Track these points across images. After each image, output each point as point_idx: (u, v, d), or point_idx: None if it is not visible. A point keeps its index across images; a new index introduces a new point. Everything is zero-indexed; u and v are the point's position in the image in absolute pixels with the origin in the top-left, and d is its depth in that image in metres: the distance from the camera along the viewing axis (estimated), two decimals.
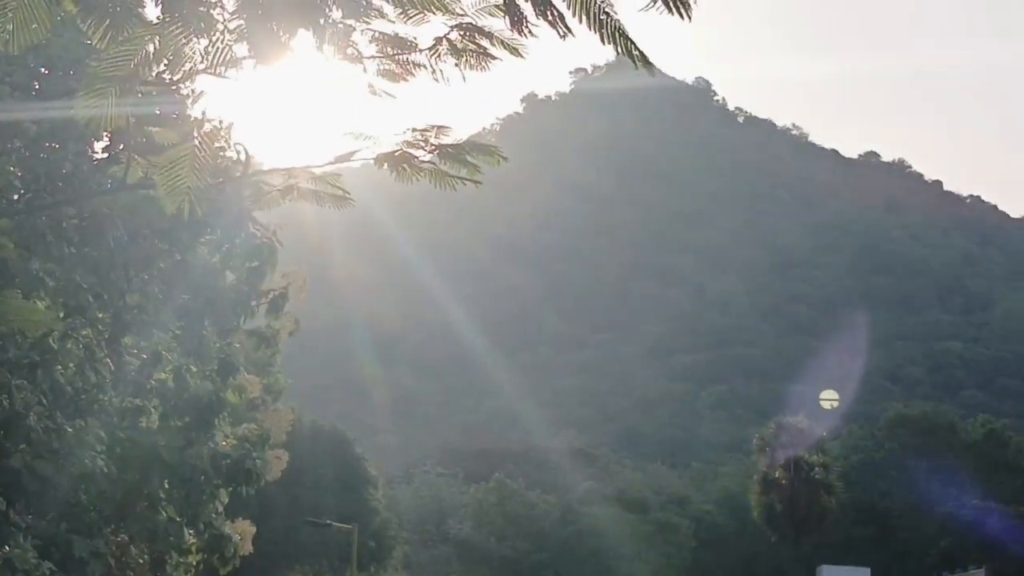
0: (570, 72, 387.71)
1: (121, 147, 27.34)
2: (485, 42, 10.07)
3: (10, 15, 8.15)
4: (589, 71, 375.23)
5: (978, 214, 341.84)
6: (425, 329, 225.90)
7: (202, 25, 8.41)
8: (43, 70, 29.25)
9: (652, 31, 8.59)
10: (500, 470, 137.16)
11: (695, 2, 8.16)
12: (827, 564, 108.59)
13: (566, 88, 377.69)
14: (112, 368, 30.19)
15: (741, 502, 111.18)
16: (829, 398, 73.72)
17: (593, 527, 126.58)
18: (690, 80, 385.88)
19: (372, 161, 11.48)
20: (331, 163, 11.78)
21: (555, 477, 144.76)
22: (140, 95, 15.16)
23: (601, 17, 8.31)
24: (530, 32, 8.83)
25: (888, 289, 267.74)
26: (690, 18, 8.08)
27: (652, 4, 8.12)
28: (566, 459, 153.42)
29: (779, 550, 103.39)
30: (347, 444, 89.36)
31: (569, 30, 8.48)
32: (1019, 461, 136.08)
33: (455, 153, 11.39)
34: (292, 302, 36.57)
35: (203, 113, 27.21)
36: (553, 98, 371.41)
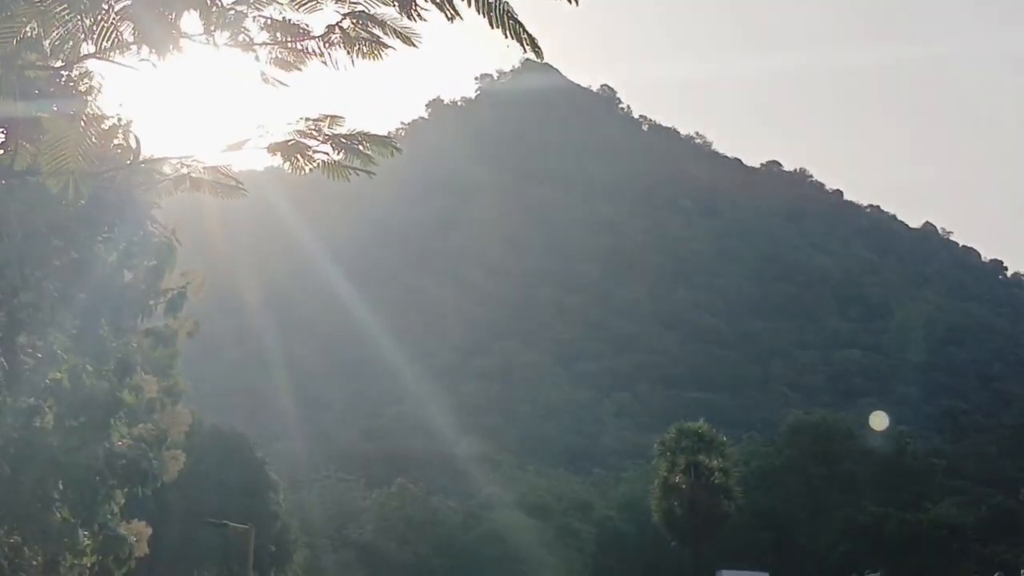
0: (475, 78, 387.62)
1: (15, 142, 26.95)
2: (378, 30, 10.00)
3: None
4: (495, 77, 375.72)
5: (878, 224, 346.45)
6: (331, 335, 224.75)
7: (86, 4, 8.26)
8: None
9: (557, 38, 8.55)
10: (403, 475, 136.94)
11: None
12: (726, 568, 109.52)
13: (471, 93, 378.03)
14: (6, 367, 29.72)
15: (643, 507, 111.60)
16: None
17: (496, 532, 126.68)
18: (595, 87, 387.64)
19: (265, 151, 11.35)
20: (223, 152, 11.63)
21: (458, 483, 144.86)
22: (37, 92, 14.90)
23: (490, 1, 8.29)
24: (420, 16, 8.78)
25: (789, 297, 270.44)
26: (577, 2, 8.06)
27: None
28: (469, 465, 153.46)
29: (679, 554, 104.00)
30: (248, 448, 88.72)
31: (457, 13, 8.45)
32: (914, 467, 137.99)
33: (348, 143, 11.29)
34: (195, 305, 36.21)
35: (99, 110, 26.83)
36: (459, 103, 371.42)
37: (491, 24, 8.37)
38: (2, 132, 28.13)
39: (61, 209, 25.71)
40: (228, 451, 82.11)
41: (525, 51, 8.66)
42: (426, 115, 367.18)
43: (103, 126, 18.66)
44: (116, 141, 24.33)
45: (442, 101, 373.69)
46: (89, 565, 34.69)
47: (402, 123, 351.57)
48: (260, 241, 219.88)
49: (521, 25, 8.41)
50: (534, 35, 8.45)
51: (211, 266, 42.70)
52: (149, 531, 39.26)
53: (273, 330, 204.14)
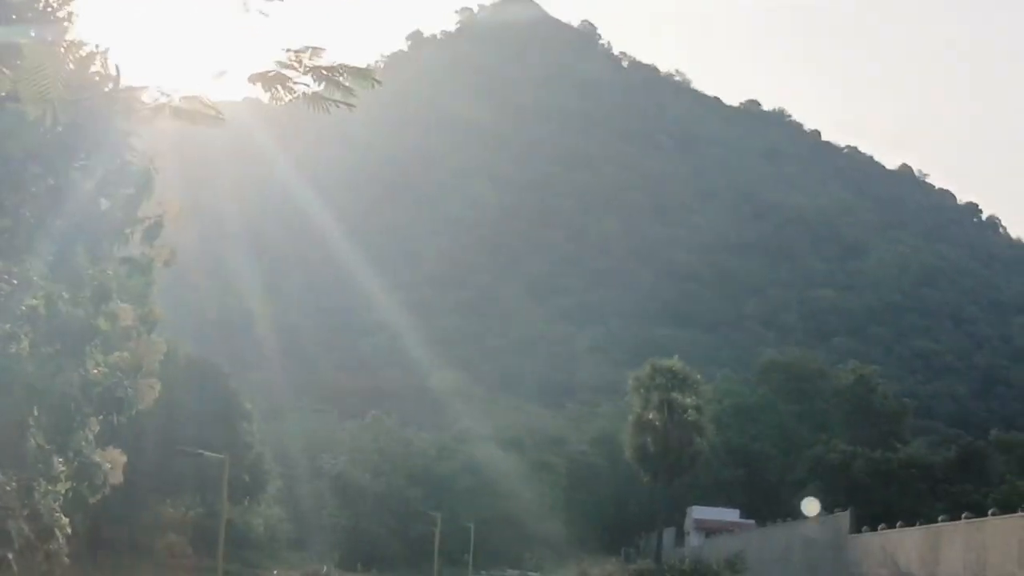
0: (456, 11, 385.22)
1: None
2: None
3: None
4: (475, 11, 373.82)
5: (855, 164, 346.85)
6: (308, 264, 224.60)
7: None
8: None
9: None
10: (377, 407, 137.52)
11: None
12: (698, 505, 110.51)
13: (451, 27, 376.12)
14: None
15: (616, 443, 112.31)
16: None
17: (470, 464, 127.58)
18: (576, 23, 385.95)
19: (245, 81, 11.37)
20: (204, 81, 11.66)
21: (433, 415, 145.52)
22: (15, 17, 14.88)
23: None
24: None
25: (764, 236, 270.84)
26: None
27: None
28: (444, 397, 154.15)
29: (652, 491, 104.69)
30: (223, 377, 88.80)
31: None
32: (886, 407, 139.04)
33: (329, 75, 11.31)
34: (173, 234, 36.07)
35: (75, 37, 26.69)
36: (438, 36, 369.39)
37: None
38: None
39: (38, 135, 25.59)
40: (203, 380, 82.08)
41: None
42: (406, 48, 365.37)
43: (81, 53, 18.61)
44: (94, 68, 24.22)
45: (422, 34, 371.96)
46: (63, 492, 34.75)
47: (382, 56, 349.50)
48: (239, 172, 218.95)
49: None
50: None
51: (190, 196, 42.53)
52: (124, 459, 39.26)
53: (250, 261, 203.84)
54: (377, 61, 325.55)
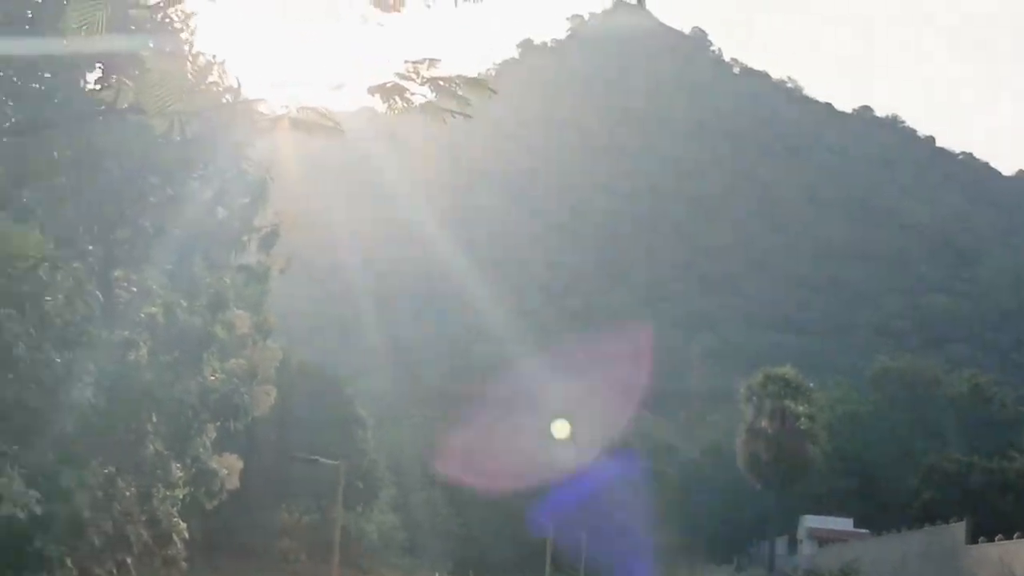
0: (567, 19, 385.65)
1: (114, 78, 27.32)
2: None
3: None
4: (585, 18, 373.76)
5: (970, 171, 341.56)
6: (419, 272, 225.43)
7: None
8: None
9: None
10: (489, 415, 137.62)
11: None
12: (810, 514, 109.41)
13: (562, 35, 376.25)
14: (102, 301, 30.23)
15: (728, 451, 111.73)
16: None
17: (581, 473, 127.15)
18: (687, 30, 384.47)
19: (365, 92, 11.47)
20: (323, 93, 11.77)
21: (544, 423, 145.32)
22: (134, 28, 15.10)
23: None
24: None
25: (878, 243, 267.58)
26: None
27: None
28: (554, 405, 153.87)
29: (764, 499, 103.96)
30: (337, 384, 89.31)
31: None
32: (1002, 415, 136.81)
33: (446, 86, 11.38)
34: (286, 241, 36.53)
35: (194, 46, 27.10)
36: (549, 44, 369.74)
37: None
38: (100, 67, 28.55)
39: (158, 147, 26.09)
40: (317, 387, 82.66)
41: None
42: (517, 56, 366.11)
43: (199, 63, 18.85)
44: (211, 79, 24.56)
45: (532, 42, 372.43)
46: (181, 497, 35.30)
47: (493, 64, 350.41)
48: (349, 179, 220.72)
49: None
50: None
51: (302, 204, 43.02)
52: (240, 465, 39.85)
53: (362, 269, 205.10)
54: (488, 69, 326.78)
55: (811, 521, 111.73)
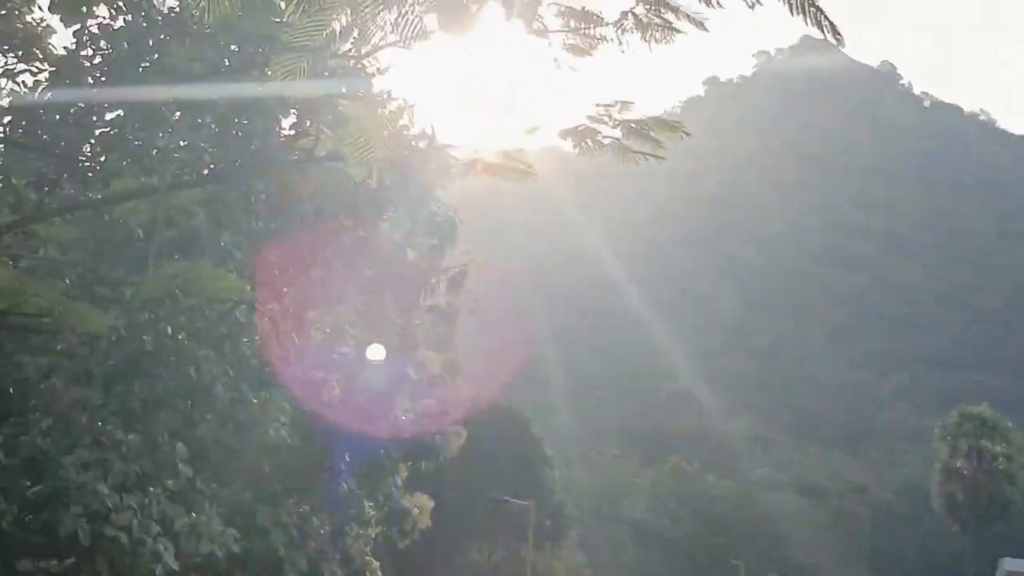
0: (752, 55, 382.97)
1: (309, 123, 27.93)
2: (670, 15, 10.03)
3: None
4: (772, 53, 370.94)
5: None
6: (602, 311, 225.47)
7: None
8: (233, 47, 29.86)
9: (837, 13, 8.43)
10: (676, 453, 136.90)
11: None
12: (1009, 556, 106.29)
13: (748, 71, 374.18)
14: (296, 342, 30.77)
15: (921, 491, 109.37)
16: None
17: (769, 513, 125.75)
18: (875, 64, 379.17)
19: (556, 135, 11.53)
20: (515, 137, 11.84)
21: (731, 461, 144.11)
22: (328, 74, 15.41)
23: None
24: (718, 3, 8.77)
25: None
26: None
27: None
28: (742, 444, 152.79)
29: (960, 540, 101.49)
30: (524, 423, 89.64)
31: (758, 0, 8.42)
32: None
33: (638, 128, 11.37)
34: (473, 281, 36.81)
35: (388, 92, 27.54)
36: (735, 81, 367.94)
37: (791, 11, 8.34)
38: (295, 112, 29.18)
39: (350, 189, 26.54)
40: (504, 426, 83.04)
41: (826, 37, 8.58)
42: (703, 93, 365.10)
43: (391, 108, 19.09)
44: (401, 122, 24.85)
45: (718, 79, 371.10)
46: (374, 535, 35.69)
47: (679, 101, 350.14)
48: (531, 217, 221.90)
49: (823, 13, 8.35)
50: (835, 22, 8.37)
51: (488, 243, 43.37)
52: (431, 504, 40.22)
53: (546, 307, 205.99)
54: (674, 106, 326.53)
55: (1010, 564, 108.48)
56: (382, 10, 8.57)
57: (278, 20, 27.07)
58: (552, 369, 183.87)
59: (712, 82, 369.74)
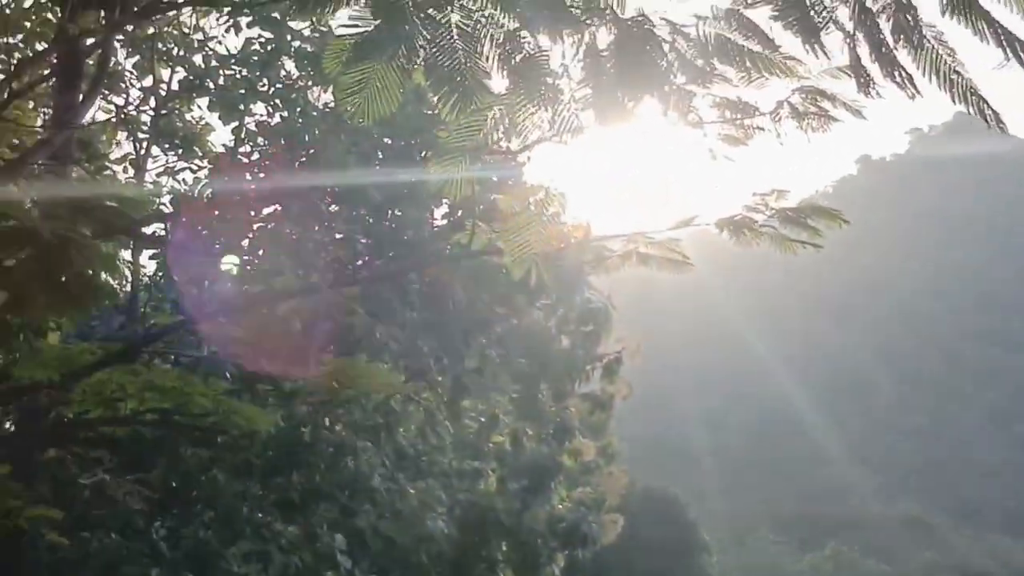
0: (906, 132, 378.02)
1: (460, 212, 28.23)
2: (827, 104, 9.97)
3: (364, 89, 8.50)
4: (925, 130, 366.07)
5: None
6: (754, 394, 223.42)
7: (549, 95, 8.60)
8: (386, 140, 30.38)
9: (996, 89, 8.32)
10: (834, 538, 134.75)
11: None
12: None
13: (902, 149, 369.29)
14: (451, 431, 30.97)
15: None
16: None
17: None
18: None
19: (711, 226, 11.51)
20: (671, 228, 11.83)
21: (891, 546, 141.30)
22: (481, 165, 15.58)
23: (952, 77, 8.14)
24: (877, 94, 8.69)
25: None
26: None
27: (1006, 62, 7.93)
28: (902, 528, 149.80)
29: None
30: (680, 508, 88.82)
31: (918, 91, 8.32)
32: None
33: (795, 217, 11.28)
34: (625, 366, 36.72)
35: (546, 185, 27.72)
36: (888, 159, 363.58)
37: (953, 100, 8.24)
38: (447, 202, 29.51)
39: (502, 278, 26.71)
40: (660, 511, 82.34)
41: (989, 126, 8.46)
42: (855, 171, 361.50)
43: (537, 196, 19.07)
44: (552, 209, 24.92)
45: (871, 157, 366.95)
46: None
47: (831, 180, 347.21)
48: (680, 299, 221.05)
49: (986, 101, 8.23)
50: (997, 109, 8.25)
51: (640, 329, 43.14)
52: None
53: (698, 391, 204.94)
54: (826, 186, 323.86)
55: None
56: (538, 110, 8.64)
57: (430, 112, 27.55)
58: (704, 453, 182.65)
59: (864, 160, 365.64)
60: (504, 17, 8.36)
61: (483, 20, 8.41)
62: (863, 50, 8.51)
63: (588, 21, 8.47)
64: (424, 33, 8.35)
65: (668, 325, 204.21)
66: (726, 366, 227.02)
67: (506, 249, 10.46)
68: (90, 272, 8.83)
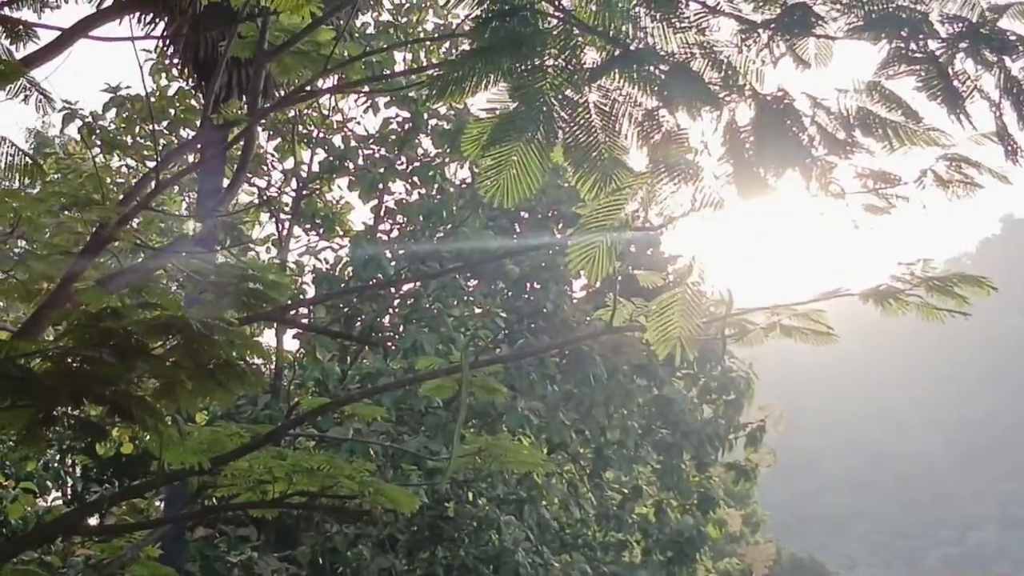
0: None
1: (599, 283, 28.19)
2: (972, 171, 9.83)
3: (504, 170, 8.54)
4: None
5: None
6: (902, 458, 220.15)
7: (689, 172, 8.57)
8: (523, 214, 30.55)
9: None
10: None
11: None
12: None
13: None
14: (594, 503, 30.86)
15: None
16: None
17: None
18: None
19: (856, 296, 11.39)
20: (815, 299, 11.71)
21: None
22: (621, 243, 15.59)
23: None
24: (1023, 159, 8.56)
25: None
26: None
27: None
28: None
29: None
30: None
31: None
32: None
33: (942, 285, 11.12)
34: (769, 434, 36.37)
35: (684, 255, 27.69)
36: None
37: None
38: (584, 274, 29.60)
39: (640, 348, 26.64)
40: None
41: None
42: (998, 231, 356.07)
43: (676, 267, 19.07)
44: (691, 279, 24.87)
45: (1013, 216, 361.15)
46: None
47: (976, 241, 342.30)
48: (828, 370, 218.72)
49: None
50: None
51: (783, 397, 42.75)
52: None
53: (843, 457, 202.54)
54: (969, 247, 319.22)
55: None
56: (679, 188, 8.62)
57: (566, 184, 27.65)
58: (851, 520, 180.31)
59: (1007, 220, 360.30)
60: (642, 96, 8.36)
61: (621, 99, 8.42)
62: (1009, 118, 8.40)
63: (727, 98, 8.45)
64: (562, 114, 8.38)
65: (811, 391, 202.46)
66: (872, 431, 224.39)
67: (650, 327, 10.41)
68: (235, 357, 8.97)
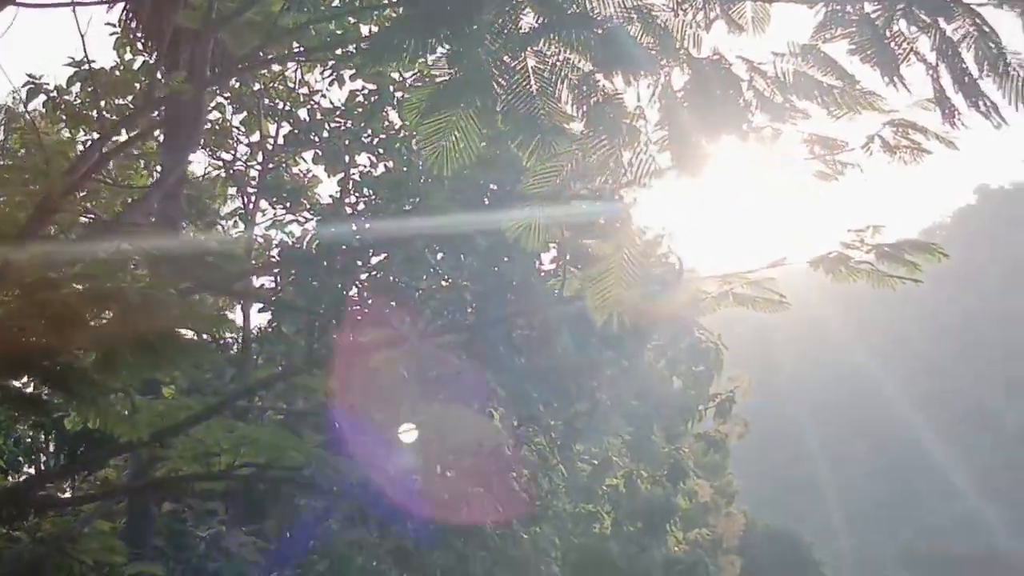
0: (1023, 160, 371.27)
1: (568, 256, 28.14)
2: (919, 137, 9.83)
3: (443, 137, 8.50)
4: None
5: None
6: (878, 430, 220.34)
7: (626, 138, 8.54)
8: (492, 185, 30.47)
9: None
10: (964, 575, 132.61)
11: None
12: None
13: (1021, 177, 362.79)
14: (565, 475, 30.87)
15: None
16: None
17: None
18: None
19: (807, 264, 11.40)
20: (765, 268, 11.72)
21: None
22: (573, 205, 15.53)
23: None
24: (962, 124, 8.54)
25: None
26: None
27: None
28: None
29: None
30: (804, 548, 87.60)
31: (1003, 120, 8.16)
32: None
33: (892, 252, 11.12)
34: (739, 405, 36.42)
35: (631, 229, 27.66)
36: (1007, 188, 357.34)
37: None
38: (554, 247, 29.51)
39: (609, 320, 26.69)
40: (783, 552, 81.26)
41: None
42: (974, 201, 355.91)
43: (645, 237, 19.04)
44: (659, 251, 24.80)
45: (988, 186, 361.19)
46: None
47: (949, 211, 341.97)
48: (795, 334, 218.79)
49: None
50: None
51: (753, 367, 42.81)
52: None
53: (818, 428, 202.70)
54: (944, 217, 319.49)
55: None
56: (614, 153, 8.59)
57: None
58: (828, 491, 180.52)
59: (982, 190, 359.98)
60: (579, 60, 8.33)
61: (558, 64, 8.39)
62: (946, 81, 8.39)
63: (663, 62, 8.42)
64: (500, 80, 8.34)
65: (787, 361, 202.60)
66: (848, 402, 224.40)
67: (588, 295, 10.42)
68: (179, 328, 8.90)
